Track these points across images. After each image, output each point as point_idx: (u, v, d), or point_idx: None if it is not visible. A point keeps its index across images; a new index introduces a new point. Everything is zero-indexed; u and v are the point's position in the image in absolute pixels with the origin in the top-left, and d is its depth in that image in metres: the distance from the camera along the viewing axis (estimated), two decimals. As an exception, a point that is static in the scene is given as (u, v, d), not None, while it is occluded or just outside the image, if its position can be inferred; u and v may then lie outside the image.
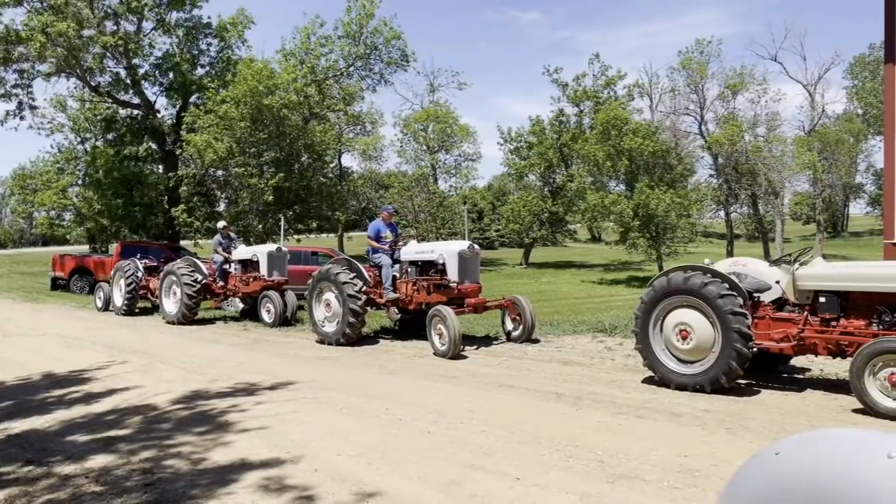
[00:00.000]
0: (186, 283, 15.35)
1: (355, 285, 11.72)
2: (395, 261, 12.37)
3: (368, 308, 12.13)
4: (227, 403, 7.43)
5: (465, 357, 10.24)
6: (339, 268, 12.14)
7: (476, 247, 11.90)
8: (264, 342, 12.58)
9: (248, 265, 15.99)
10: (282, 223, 19.24)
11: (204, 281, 15.94)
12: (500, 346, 11.25)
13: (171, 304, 15.86)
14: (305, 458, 5.39)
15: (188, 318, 15.39)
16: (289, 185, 30.80)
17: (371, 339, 12.50)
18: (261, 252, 15.74)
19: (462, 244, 11.66)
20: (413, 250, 12.23)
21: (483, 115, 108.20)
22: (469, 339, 11.74)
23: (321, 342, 12.04)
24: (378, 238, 12.71)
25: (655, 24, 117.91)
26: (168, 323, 15.56)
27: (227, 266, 16.31)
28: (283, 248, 16.10)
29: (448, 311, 10.31)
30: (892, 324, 6.64)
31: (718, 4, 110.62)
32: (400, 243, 12.74)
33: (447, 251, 11.61)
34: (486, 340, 11.80)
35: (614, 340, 11.02)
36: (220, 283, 16.26)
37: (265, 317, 14.83)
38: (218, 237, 16.78)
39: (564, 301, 22.30)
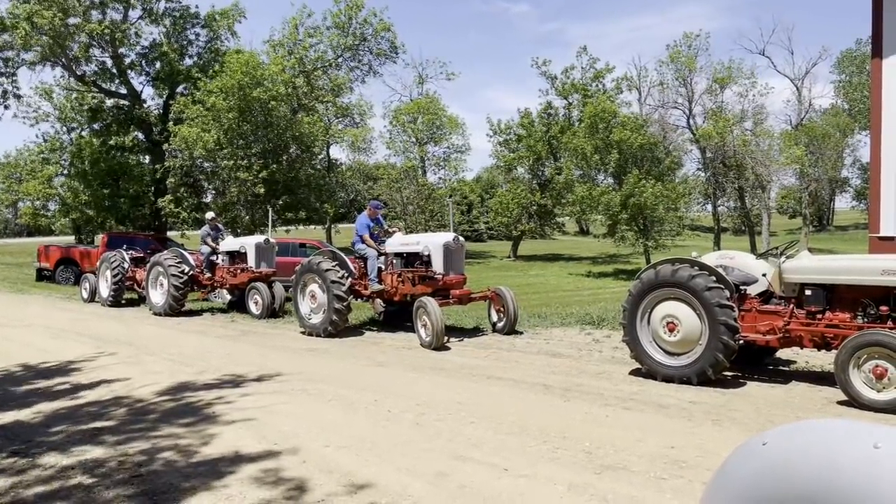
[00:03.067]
0: (173, 275, 15.25)
1: (338, 274, 11.74)
2: (381, 253, 12.39)
3: (353, 298, 12.15)
4: (214, 395, 7.41)
5: (452, 349, 10.25)
6: (323, 259, 12.14)
7: (461, 239, 11.96)
8: (252, 334, 12.54)
9: (236, 257, 15.92)
10: (270, 214, 19.12)
11: (191, 272, 15.84)
12: (489, 338, 11.26)
13: (157, 296, 15.76)
14: (294, 450, 5.38)
15: (175, 309, 15.31)
16: (277, 176, 30.64)
17: (357, 331, 12.49)
18: (248, 244, 15.66)
19: (447, 236, 11.73)
20: (398, 242, 12.28)
21: (472, 106, 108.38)
22: (457, 331, 11.78)
23: (308, 334, 12.02)
24: (367, 233, 12.66)
25: (643, 18, 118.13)
26: (155, 314, 15.47)
27: (214, 257, 16.24)
28: (272, 240, 16.00)
29: (432, 302, 10.37)
30: (877, 317, 6.70)
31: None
32: (389, 231, 12.77)
33: (432, 243, 11.68)
34: (474, 332, 11.81)
35: (602, 333, 11.06)
36: (208, 275, 16.18)
37: (253, 308, 14.78)
38: (206, 228, 16.70)
39: (552, 293, 22.36)
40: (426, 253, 11.64)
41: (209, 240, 16.39)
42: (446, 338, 10.48)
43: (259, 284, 14.81)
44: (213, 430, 6.02)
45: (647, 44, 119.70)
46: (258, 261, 15.34)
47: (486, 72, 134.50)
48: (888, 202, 10.79)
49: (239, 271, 15.57)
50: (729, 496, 1.33)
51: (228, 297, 16.71)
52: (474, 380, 8.06)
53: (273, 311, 14.60)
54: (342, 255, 12.39)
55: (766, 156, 39.71)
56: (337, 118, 45.00)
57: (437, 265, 11.53)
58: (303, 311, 12.27)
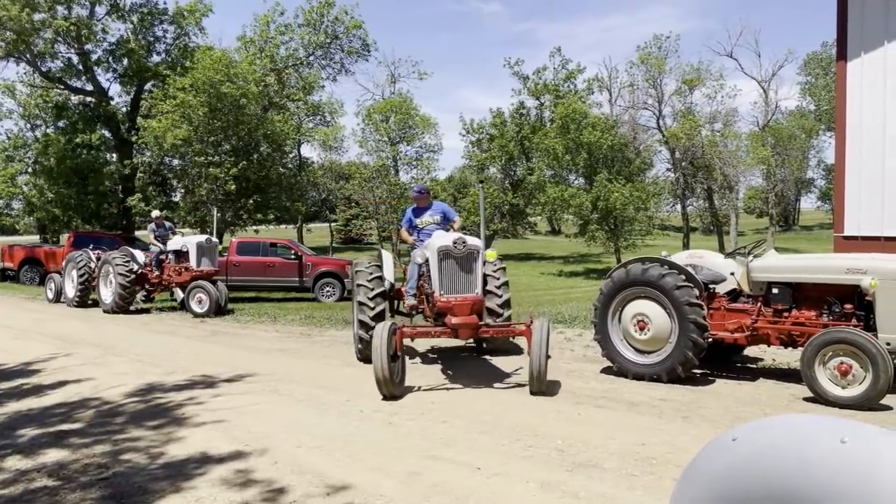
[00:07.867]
0: (120, 273, 15.42)
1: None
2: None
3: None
4: (183, 396, 7.31)
5: (424, 348, 10.22)
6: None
7: (472, 241, 7.57)
8: (222, 334, 12.40)
9: (180, 255, 16.18)
10: (214, 214, 19.16)
11: (139, 271, 16.07)
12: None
13: (107, 294, 15.93)
14: (265, 451, 5.33)
15: (121, 307, 15.48)
16: (248, 175, 30.34)
17: (329, 331, 12.37)
18: (190, 243, 15.98)
19: (446, 237, 7.65)
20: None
21: (444, 106, 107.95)
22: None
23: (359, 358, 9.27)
24: (411, 229, 9.32)
25: (613, 19, 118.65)
26: (105, 312, 15.56)
27: (162, 256, 16.44)
28: (213, 239, 16.47)
29: (378, 331, 7.09)
30: (842, 314, 6.83)
31: (675, 0, 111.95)
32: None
33: (429, 248, 7.80)
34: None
35: (573, 331, 11.13)
36: (156, 273, 16.34)
37: (195, 307, 14.94)
38: (153, 226, 17.08)
39: (524, 293, 22.45)
40: (423, 263, 8.09)
41: (152, 236, 16.80)
42: (396, 384, 7.06)
43: (204, 282, 15.05)
44: (183, 432, 5.94)
45: (618, 45, 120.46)
46: (199, 259, 15.64)
47: (459, 71, 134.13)
48: (852, 202, 10.98)
49: (183, 270, 15.83)
50: (699, 492, 1.34)
51: (181, 294, 16.69)
52: (446, 379, 8.06)
53: (219, 308, 14.81)
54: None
55: (734, 156, 40.31)
56: (308, 116, 44.69)
57: (435, 281, 7.54)
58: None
